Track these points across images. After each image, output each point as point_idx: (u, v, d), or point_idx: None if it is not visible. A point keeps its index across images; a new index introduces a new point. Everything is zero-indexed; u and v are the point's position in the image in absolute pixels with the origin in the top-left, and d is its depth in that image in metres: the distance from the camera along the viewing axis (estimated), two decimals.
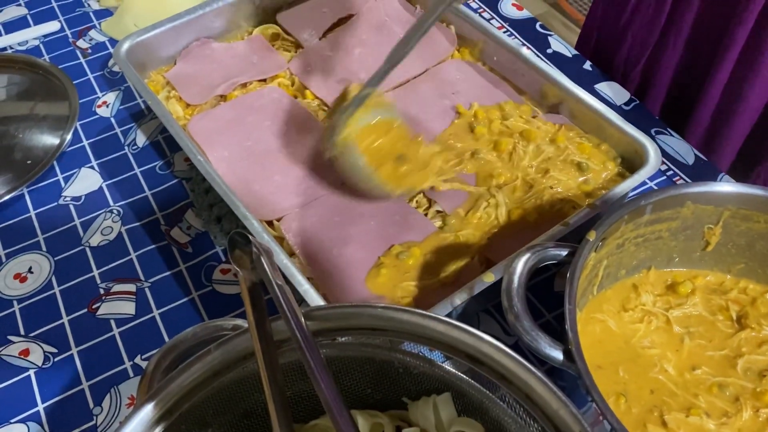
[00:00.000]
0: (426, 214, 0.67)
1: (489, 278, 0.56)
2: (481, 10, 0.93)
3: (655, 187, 0.72)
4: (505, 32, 0.89)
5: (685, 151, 0.75)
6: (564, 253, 0.51)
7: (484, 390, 0.41)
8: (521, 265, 0.49)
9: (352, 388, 0.45)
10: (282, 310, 0.40)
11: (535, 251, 0.50)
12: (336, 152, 0.64)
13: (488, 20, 0.91)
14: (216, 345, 0.42)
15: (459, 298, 0.55)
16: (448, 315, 0.55)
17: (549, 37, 0.88)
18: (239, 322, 0.47)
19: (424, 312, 0.41)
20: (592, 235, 0.51)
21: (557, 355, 0.46)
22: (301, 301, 0.58)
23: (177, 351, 0.46)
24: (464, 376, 0.42)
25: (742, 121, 0.77)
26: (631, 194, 0.67)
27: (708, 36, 0.76)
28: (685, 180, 0.73)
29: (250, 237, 0.42)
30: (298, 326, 0.40)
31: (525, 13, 0.92)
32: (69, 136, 0.79)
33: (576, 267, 0.49)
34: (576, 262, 0.49)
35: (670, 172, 0.73)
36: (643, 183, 0.67)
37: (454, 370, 0.43)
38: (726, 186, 0.55)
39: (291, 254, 0.64)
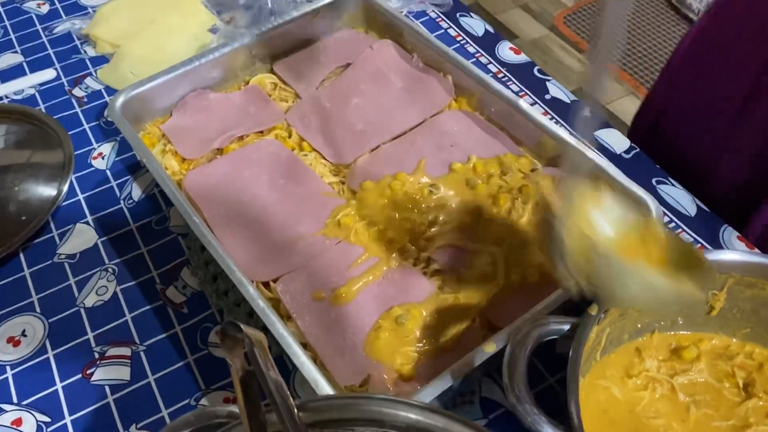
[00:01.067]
0: (425, 273, 0.66)
1: (490, 348, 0.55)
2: (479, 54, 0.92)
3: None
4: (502, 77, 0.89)
5: (686, 202, 0.74)
6: (566, 327, 0.50)
7: None
8: (522, 343, 0.48)
9: None
10: (275, 405, 0.39)
11: (536, 327, 0.49)
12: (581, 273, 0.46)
13: (485, 65, 0.91)
14: None
15: (460, 371, 0.54)
16: (450, 386, 0.54)
17: (547, 83, 0.88)
18: (234, 409, 0.45)
19: (422, 404, 0.40)
20: (593, 310, 0.50)
21: None
22: (295, 371, 0.57)
23: None
24: None
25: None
26: None
27: None
28: (687, 232, 0.72)
29: (243, 327, 0.41)
30: (291, 422, 0.39)
31: (523, 57, 0.92)
32: (65, 189, 0.78)
33: (579, 345, 0.48)
34: (578, 339, 0.48)
35: (672, 225, 0.72)
36: None
37: None
38: (730, 254, 0.54)
39: (288, 317, 0.63)
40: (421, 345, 0.60)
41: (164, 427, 0.44)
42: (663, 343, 0.59)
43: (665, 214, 0.73)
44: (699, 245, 0.71)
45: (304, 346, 0.59)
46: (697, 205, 0.74)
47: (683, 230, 0.72)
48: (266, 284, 0.66)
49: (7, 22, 1.03)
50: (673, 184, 0.76)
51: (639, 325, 0.58)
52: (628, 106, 2.11)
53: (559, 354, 0.64)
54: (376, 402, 0.41)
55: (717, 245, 0.70)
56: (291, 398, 0.40)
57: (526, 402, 0.46)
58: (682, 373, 0.57)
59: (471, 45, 0.94)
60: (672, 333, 0.60)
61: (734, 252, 0.54)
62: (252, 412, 0.40)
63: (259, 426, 0.40)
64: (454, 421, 0.40)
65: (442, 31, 0.96)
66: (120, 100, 0.77)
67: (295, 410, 0.39)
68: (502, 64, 0.91)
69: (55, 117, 0.87)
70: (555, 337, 0.50)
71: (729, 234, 0.71)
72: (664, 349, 0.59)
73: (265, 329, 0.58)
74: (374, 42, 0.87)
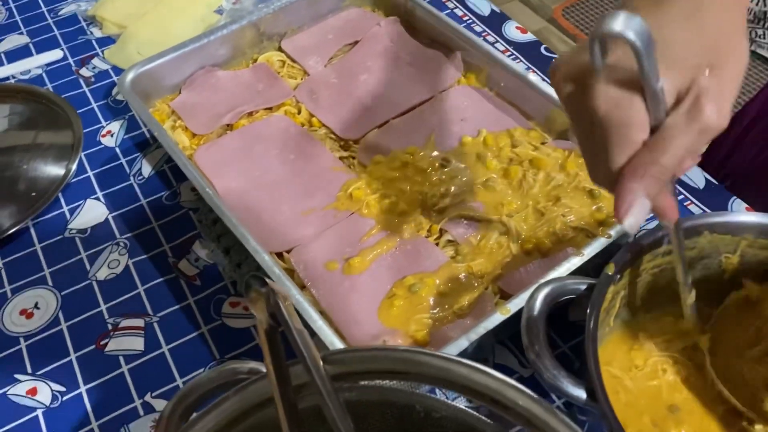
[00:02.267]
0: (437, 244, 0.66)
1: (505, 312, 0.55)
2: (485, 33, 0.93)
3: None
4: (509, 56, 0.89)
5: (695, 175, 0.75)
6: (583, 287, 0.50)
7: None
8: (540, 300, 0.49)
9: None
10: (301, 356, 0.39)
11: (553, 286, 0.50)
12: None
13: (492, 44, 0.91)
14: (234, 391, 0.41)
15: (475, 333, 0.54)
16: (464, 350, 0.55)
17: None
18: (255, 365, 0.46)
19: (446, 355, 0.40)
20: (611, 269, 0.50)
21: (580, 394, 0.45)
22: (312, 335, 0.57)
23: (193, 396, 0.45)
24: (487, 420, 0.41)
25: None
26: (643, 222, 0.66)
27: None
28: (696, 204, 0.72)
29: (267, 280, 0.41)
30: (317, 372, 0.39)
31: (529, 36, 0.92)
32: (74, 167, 0.78)
33: (596, 303, 0.48)
34: (596, 298, 0.48)
35: (681, 197, 0.73)
36: None
37: (477, 414, 0.42)
38: (744, 216, 0.54)
39: (302, 287, 0.63)
40: (434, 312, 0.61)
41: (187, 384, 0.45)
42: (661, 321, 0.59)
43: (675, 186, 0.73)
44: None
45: (320, 313, 0.59)
46: (705, 177, 0.74)
47: (692, 202, 0.72)
48: (279, 255, 0.66)
49: (12, 4, 1.03)
50: None
51: (652, 291, 0.58)
52: None
53: (571, 322, 0.64)
54: (400, 353, 0.41)
55: None
56: (316, 349, 0.40)
57: (546, 357, 0.46)
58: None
59: (477, 24, 0.94)
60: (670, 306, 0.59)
61: (748, 214, 0.54)
62: (276, 365, 0.41)
63: (284, 379, 0.40)
64: (476, 371, 0.40)
65: (449, 11, 0.96)
66: (130, 77, 0.77)
67: (321, 361, 0.40)
68: (509, 42, 0.91)
69: (62, 96, 0.87)
70: (571, 296, 0.51)
71: (738, 206, 0.72)
72: (661, 327, 0.59)
73: None
74: (382, 20, 0.87)
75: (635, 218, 0.41)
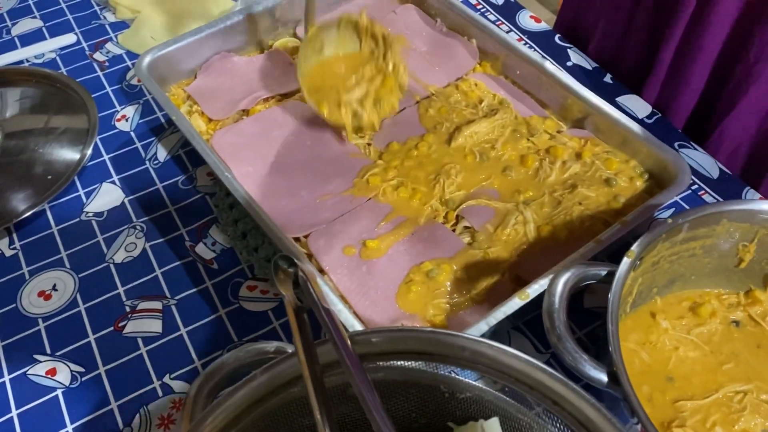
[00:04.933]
0: (454, 230, 0.66)
1: (524, 297, 0.56)
2: (499, 22, 0.93)
3: (681, 202, 0.72)
4: (524, 44, 0.89)
5: (709, 164, 0.75)
6: (604, 272, 0.51)
7: (533, 415, 0.41)
8: (561, 285, 0.49)
9: (397, 412, 0.45)
10: (330, 334, 0.40)
11: (574, 271, 0.50)
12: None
13: (506, 33, 0.91)
14: (262, 370, 0.41)
15: (495, 318, 0.55)
16: (482, 334, 0.55)
17: (569, 50, 0.88)
18: (281, 344, 0.46)
19: (472, 336, 0.41)
20: (631, 255, 0.50)
21: (602, 377, 0.46)
22: None
23: (219, 375, 0.45)
24: (512, 401, 0.42)
25: (694, 77, 0.79)
26: (659, 210, 0.67)
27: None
28: (710, 194, 0.73)
29: (296, 261, 0.42)
30: (346, 351, 0.40)
31: (543, 26, 0.92)
32: (89, 151, 0.79)
33: (617, 287, 0.48)
34: (617, 281, 0.49)
35: (695, 186, 0.73)
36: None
37: (501, 395, 0.42)
38: (763, 204, 0.55)
39: (320, 271, 0.63)
40: (452, 297, 0.61)
41: (214, 362, 0.45)
42: (676, 302, 0.60)
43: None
44: None
45: (340, 297, 0.60)
46: (720, 167, 0.75)
47: (707, 192, 0.73)
48: (297, 240, 0.66)
49: None
50: (695, 148, 0.77)
51: (668, 278, 0.59)
52: None
53: (586, 309, 0.65)
54: (428, 334, 0.41)
55: None
56: (344, 328, 0.40)
57: (567, 341, 0.46)
58: (697, 327, 0.58)
59: (491, 13, 0.94)
60: (687, 290, 0.60)
61: (766, 202, 0.55)
62: (305, 344, 0.41)
63: (312, 357, 0.41)
64: (503, 353, 0.41)
65: None
66: (147, 60, 0.77)
67: (348, 340, 0.40)
68: (523, 31, 0.91)
69: (77, 80, 0.87)
70: (591, 282, 0.51)
71: (752, 195, 0.72)
72: (678, 308, 0.60)
73: None
74: (397, 7, 0.87)
75: None
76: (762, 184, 0.79)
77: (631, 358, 0.57)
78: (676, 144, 0.77)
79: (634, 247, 0.51)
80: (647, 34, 0.83)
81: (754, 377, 0.55)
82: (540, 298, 0.55)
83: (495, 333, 0.61)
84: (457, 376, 0.43)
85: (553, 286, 0.49)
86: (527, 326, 0.64)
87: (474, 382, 0.43)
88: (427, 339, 0.41)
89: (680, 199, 0.72)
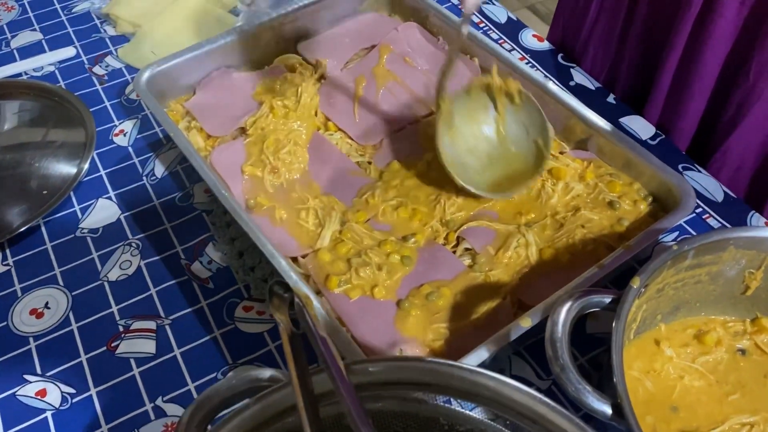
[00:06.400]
0: (454, 252, 0.65)
1: (526, 323, 0.55)
2: (501, 41, 0.92)
3: (685, 225, 0.71)
4: (526, 64, 0.89)
5: (713, 187, 0.74)
6: (608, 300, 0.50)
7: None
8: (564, 313, 0.48)
9: None
10: (325, 363, 0.39)
11: (577, 298, 0.49)
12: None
13: (509, 51, 0.90)
14: (255, 399, 0.40)
15: (495, 344, 0.54)
16: (483, 361, 0.54)
17: (572, 69, 0.88)
18: (275, 372, 0.45)
19: (471, 367, 0.40)
20: (636, 282, 0.49)
21: (606, 409, 0.44)
22: None
23: (211, 403, 0.44)
24: None
25: (693, 101, 0.78)
26: (662, 235, 0.66)
27: (660, 28, 0.79)
28: (715, 218, 0.72)
29: (292, 286, 0.40)
30: (341, 380, 0.38)
31: (546, 45, 0.92)
32: (86, 166, 0.78)
33: (621, 316, 0.47)
34: (621, 311, 0.48)
35: (699, 210, 0.72)
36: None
37: (501, 427, 0.41)
38: None
39: (318, 293, 0.62)
40: (451, 322, 0.60)
41: (208, 388, 0.44)
42: (680, 329, 0.59)
43: None
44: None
45: (337, 320, 0.58)
46: (724, 190, 0.74)
47: (711, 215, 0.72)
48: (294, 260, 0.65)
49: (25, 0, 1.02)
50: (699, 170, 0.76)
51: (673, 305, 0.58)
52: None
53: (589, 335, 0.64)
54: (427, 363, 0.40)
55: None
56: (340, 357, 0.39)
57: (570, 371, 0.45)
58: (702, 356, 0.57)
59: (494, 31, 0.93)
60: (691, 317, 0.59)
61: None
62: (300, 373, 0.40)
63: (307, 387, 0.40)
64: (503, 385, 0.39)
65: None
66: (146, 76, 0.76)
67: (344, 369, 0.39)
68: (526, 50, 0.91)
69: (75, 94, 0.86)
70: (595, 309, 0.50)
71: (757, 220, 0.71)
72: (682, 335, 0.59)
73: None
74: (399, 24, 0.87)
75: None
76: (767, 203, 0.78)
77: (634, 386, 0.55)
78: (680, 166, 0.76)
79: (639, 275, 0.49)
80: (640, 60, 0.83)
81: (760, 409, 0.54)
82: (542, 323, 0.54)
83: (496, 358, 0.60)
84: (456, 408, 0.41)
85: (556, 314, 0.48)
86: (528, 351, 0.62)
87: (474, 414, 0.42)
88: (425, 369, 0.40)
89: (684, 222, 0.71)
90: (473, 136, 0.71)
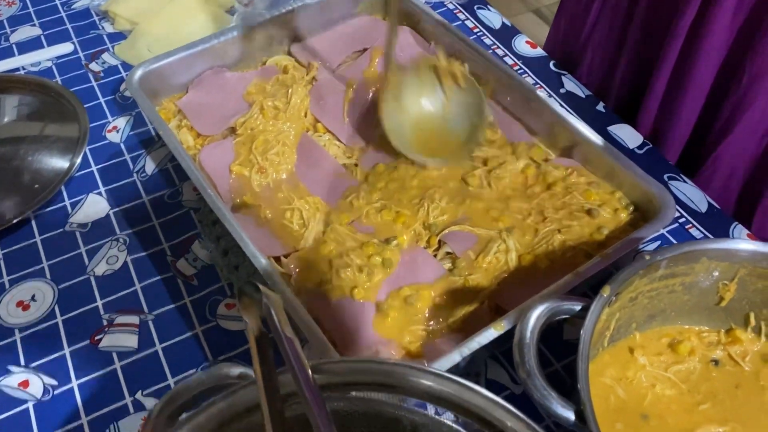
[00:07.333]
0: (435, 255, 0.66)
1: (499, 328, 0.55)
2: (495, 47, 0.93)
3: (667, 234, 0.72)
4: (518, 70, 0.89)
5: (698, 198, 0.74)
6: (578, 307, 0.50)
7: None
8: (534, 319, 0.49)
9: None
10: (290, 364, 0.39)
11: (548, 305, 0.50)
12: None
13: (502, 57, 0.91)
14: (222, 396, 0.41)
15: (468, 348, 0.54)
16: (456, 364, 0.54)
17: (563, 77, 0.88)
18: (245, 370, 0.46)
19: (437, 371, 0.41)
20: (606, 291, 0.50)
21: (569, 415, 0.45)
22: (304, 342, 0.57)
23: (181, 398, 0.45)
24: None
25: (686, 109, 0.80)
26: (643, 243, 0.66)
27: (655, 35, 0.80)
28: (698, 228, 0.72)
29: (261, 287, 0.41)
30: (305, 382, 0.39)
31: (539, 51, 0.92)
32: (78, 161, 0.79)
33: (589, 324, 0.48)
34: (589, 319, 0.48)
35: (683, 220, 0.73)
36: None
37: (462, 431, 0.42)
38: (742, 243, 0.54)
39: (298, 293, 0.63)
40: (429, 324, 0.61)
41: (177, 384, 0.45)
42: (655, 338, 0.59)
43: (676, 209, 0.73)
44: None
45: (315, 320, 0.59)
46: (708, 201, 0.74)
47: (694, 225, 0.72)
48: (277, 260, 0.66)
49: None
50: (684, 181, 0.76)
51: (648, 314, 0.58)
52: None
53: (565, 341, 0.64)
54: (391, 366, 0.41)
55: None
56: (306, 359, 0.40)
57: (536, 377, 0.46)
58: (675, 365, 0.57)
59: (488, 37, 0.94)
60: (666, 326, 0.59)
61: (747, 242, 0.54)
62: (266, 373, 0.41)
63: (272, 386, 0.40)
64: (465, 389, 0.40)
65: (459, 22, 0.97)
66: (138, 74, 0.77)
67: (310, 371, 0.40)
68: (518, 57, 0.91)
69: (71, 90, 0.87)
70: (565, 316, 0.51)
71: (739, 231, 0.71)
72: (657, 344, 0.59)
73: None
74: None
75: None
76: (757, 210, 0.78)
77: (606, 393, 0.56)
78: (665, 176, 0.76)
79: (610, 284, 0.50)
80: (636, 66, 0.83)
81: (730, 419, 0.54)
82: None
83: (472, 361, 0.60)
84: (419, 410, 0.42)
85: (525, 320, 0.48)
86: (505, 356, 0.63)
87: (437, 417, 0.42)
88: (388, 371, 0.41)
89: (667, 232, 0.72)
90: (418, 110, 0.75)
